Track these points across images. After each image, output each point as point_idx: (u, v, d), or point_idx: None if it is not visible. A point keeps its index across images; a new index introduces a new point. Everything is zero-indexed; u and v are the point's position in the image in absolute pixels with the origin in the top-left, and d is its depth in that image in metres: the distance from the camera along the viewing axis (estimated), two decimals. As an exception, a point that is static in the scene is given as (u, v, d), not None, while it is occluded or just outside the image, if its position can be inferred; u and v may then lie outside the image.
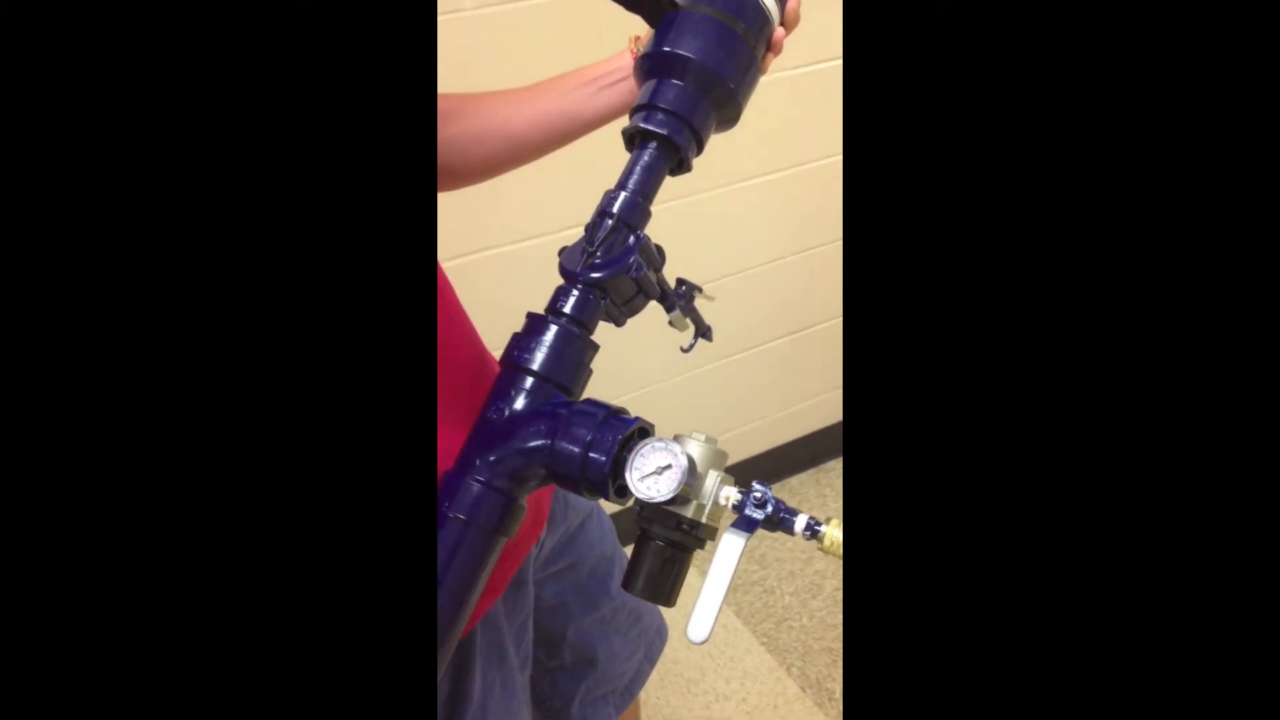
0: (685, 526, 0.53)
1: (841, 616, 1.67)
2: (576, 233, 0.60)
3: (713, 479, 0.53)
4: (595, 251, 0.58)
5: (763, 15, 0.64)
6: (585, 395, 0.59)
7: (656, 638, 0.98)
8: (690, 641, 0.49)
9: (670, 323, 0.65)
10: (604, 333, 0.60)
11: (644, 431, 0.55)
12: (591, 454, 0.53)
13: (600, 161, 0.87)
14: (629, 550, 0.61)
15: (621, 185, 0.61)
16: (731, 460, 0.55)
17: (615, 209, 0.60)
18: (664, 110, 0.61)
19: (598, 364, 0.60)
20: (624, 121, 0.66)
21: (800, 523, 0.51)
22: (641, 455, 0.52)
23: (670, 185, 0.64)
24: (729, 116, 0.66)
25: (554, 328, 0.57)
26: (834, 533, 0.50)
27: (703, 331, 0.68)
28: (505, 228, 1.40)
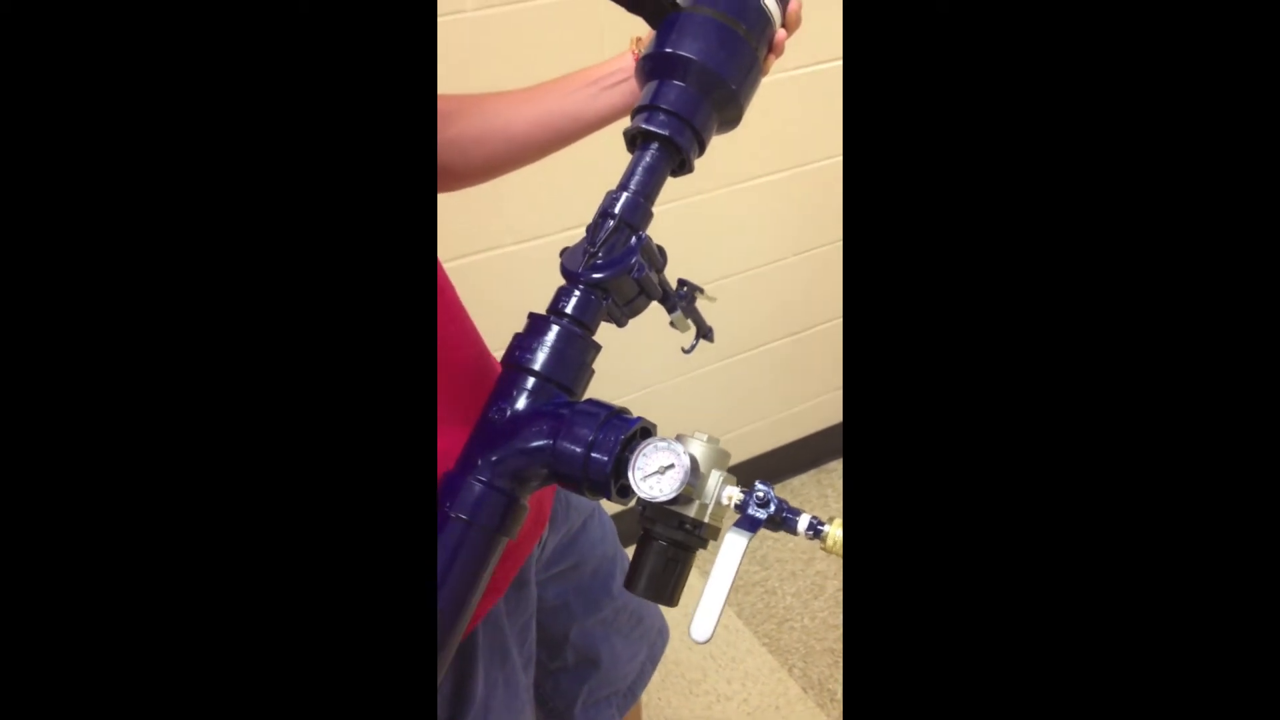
0: (688, 526, 0.53)
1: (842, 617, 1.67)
2: (578, 234, 0.60)
3: (715, 479, 0.53)
4: (597, 252, 0.59)
5: (764, 17, 0.65)
6: (587, 396, 0.59)
7: (658, 638, 0.98)
8: (693, 641, 0.49)
9: (672, 323, 0.65)
10: (604, 333, 0.60)
11: (646, 431, 0.55)
12: (594, 454, 0.53)
13: (601, 163, 0.87)
14: (630, 551, 0.61)
15: (623, 186, 0.61)
16: (733, 461, 0.55)
17: (617, 210, 0.60)
18: (666, 111, 0.61)
19: (598, 365, 0.60)
20: (625, 122, 0.66)
21: (803, 522, 0.51)
22: (644, 455, 0.52)
23: (671, 186, 0.64)
24: (730, 117, 0.66)
25: (556, 328, 0.57)
26: (837, 532, 0.50)
27: (704, 332, 0.68)
28: (507, 228, 1.40)
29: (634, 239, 0.59)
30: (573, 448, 0.53)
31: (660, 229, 0.62)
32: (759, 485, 0.52)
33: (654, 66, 0.63)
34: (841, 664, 1.59)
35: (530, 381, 0.57)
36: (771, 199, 1.63)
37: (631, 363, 1.62)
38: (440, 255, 0.71)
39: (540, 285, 0.66)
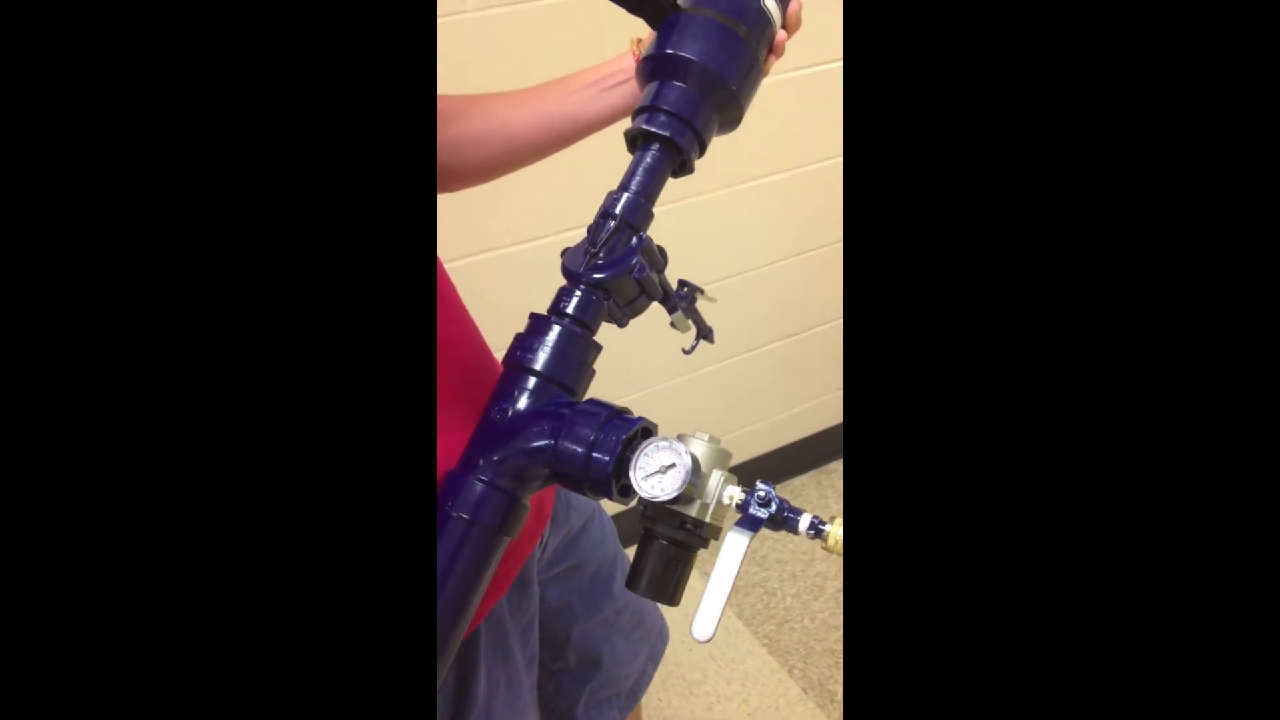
0: (689, 526, 0.53)
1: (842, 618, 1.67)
2: (577, 234, 0.60)
3: (716, 478, 0.53)
4: (598, 253, 0.59)
5: (764, 18, 0.65)
6: (588, 396, 0.59)
7: (659, 639, 0.98)
8: (695, 640, 0.50)
9: (672, 324, 0.65)
10: (604, 334, 0.60)
11: (647, 431, 0.55)
12: (595, 454, 0.53)
13: (600, 163, 0.87)
14: (630, 552, 0.61)
15: (624, 187, 0.61)
16: (733, 462, 0.55)
17: (618, 210, 0.60)
18: (666, 112, 0.61)
19: (599, 365, 0.60)
20: (625, 124, 0.66)
21: (804, 521, 0.52)
22: (645, 454, 0.52)
23: (671, 187, 0.64)
24: (731, 118, 0.66)
25: (557, 328, 0.57)
26: (838, 531, 0.50)
27: (704, 333, 0.68)
28: (506, 229, 1.40)
29: (635, 239, 0.60)
30: (574, 447, 0.53)
31: (660, 230, 0.62)
32: (760, 485, 0.52)
33: (655, 67, 0.63)
34: (841, 665, 1.59)
35: (532, 381, 0.57)
36: (771, 200, 1.63)
37: (632, 363, 1.62)
38: (440, 256, 0.71)
39: (539, 286, 0.66)
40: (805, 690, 1.57)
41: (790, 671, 1.60)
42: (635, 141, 0.63)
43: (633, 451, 0.52)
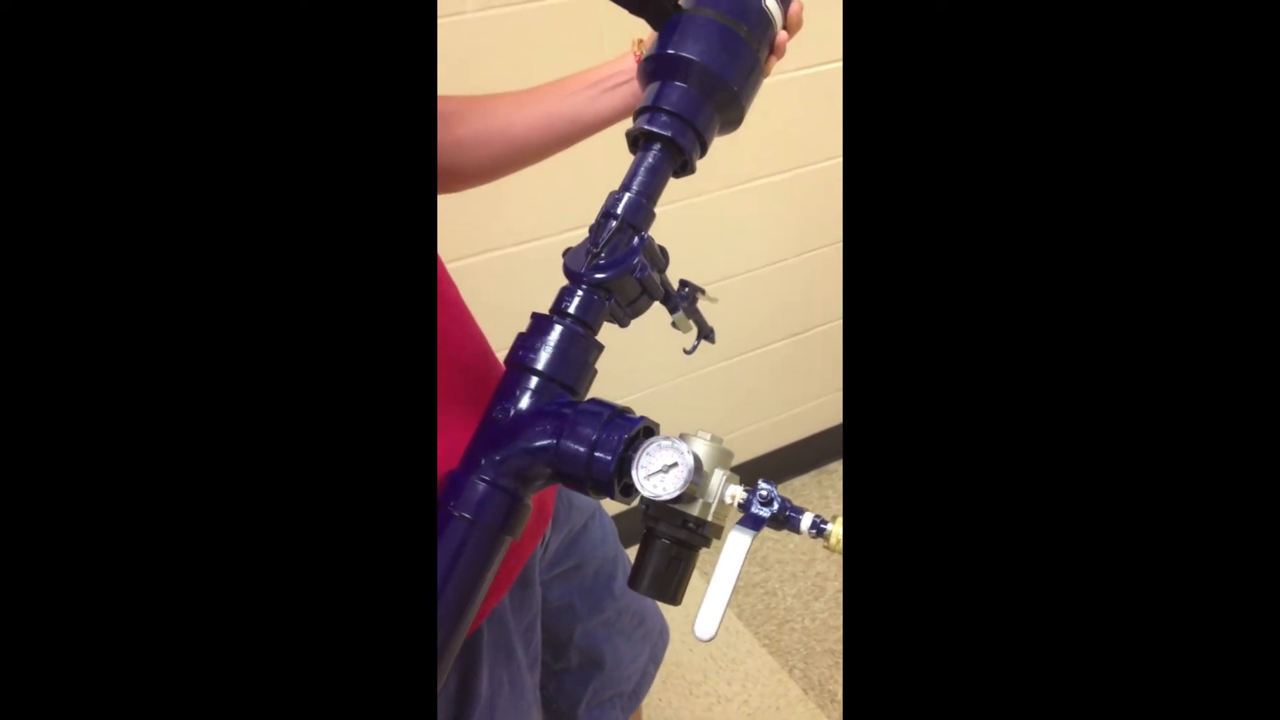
0: (691, 525, 0.53)
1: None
2: (577, 235, 0.60)
3: (719, 477, 0.53)
4: (600, 252, 0.59)
5: (765, 18, 0.65)
6: (589, 396, 0.59)
7: (660, 639, 0.98)
8: (697, 639, 0.50)
9: (674, 324, 0.65)
10: (605, 334, 0.60)
11: (649, 430, 0.55)
12: (597, 453, 0.53)
13: (601, 164, 0.87)
14: (631, 552, 0.61)
15: (626, 187, 0.61)
16: (734, 462, 0.55)
17: (619, 210, 0.60)
18: (668, 112, 0.61)
19: (600, 365, 0.61)
20: (624, 124, 0.66)
21: (806, 520, 0.52)
22: (647, 454, 0.52)
23: (672, 187, 0.65)
24: (732, 119, 0.66)
25: (559, 328, 0.57)
26: (840, 530, 0.50)
27: (705, 333, 0.68)
28: (507, 230, 1.40)
29: (636, 239, 0.60)
30: (576, 447, 0.53)
31: (661, 230, 0.62)
32: (762, 484, 0.52)
33: (656, 68, 0.63)
34: (841, 665, 1.59)
35: (534, 381, 0.57)
36: (772, 200, 1.63)
37: (633, 363, 1.62)
38: (441, 256, 0.71)
39: (540, 286, 0.66)
40: (805, 691, 1.57)
41: (790, 672, 1.60)
42: (637, 142, 0.63)
43: (635, 451, 0.52)
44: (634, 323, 0.63)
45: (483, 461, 0.55)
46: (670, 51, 0.62)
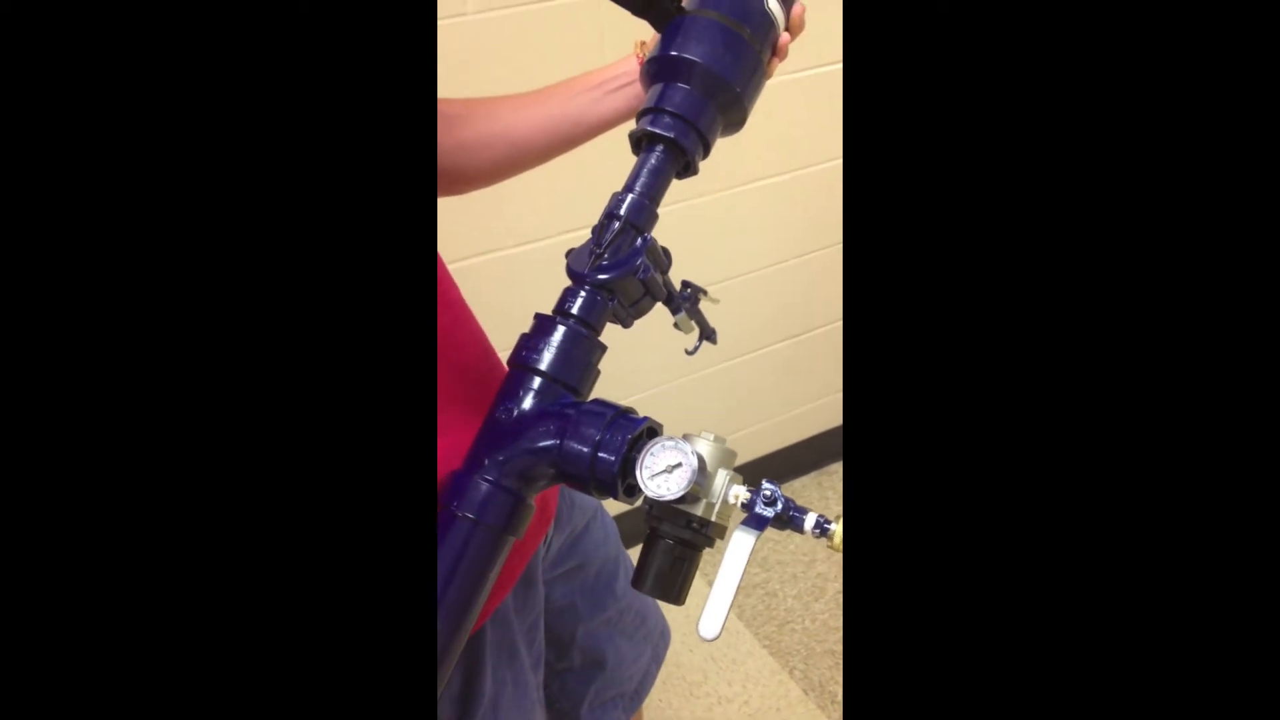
0: (695, 525, 0.53)
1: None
2: (578, 236, 0.60)
3: (722, 477, 0.53)
4: (603, 253, 0.59)
5: (768, 20, 0.65)
6: (592, 396, 0.60)
7: (661, 640, 0.99)
8: (701, 638, 0.50)
9: (676, 325, 0.65)
10: (607, 334, 0.60)
11: (653, 431, 0.55)
12: (601, 454, 0.53)
13: (600, 166, 0.87)
14: (633, 552, 0.61)
15: (629, 188, 0.61)
16: (736, 462, 0.55)
17: (623, 211, 0.60)
18: (671, 114, 0.62)
19: (602, 365, 0.61)
20: (625, 126, 0.66)
21: (810, 521, 0.52)
22: (651, 454, 0.52)
23: (673, 188, 0.65)
24: (735, 120, 0.66)
25: (562, 328, 0.58)
26: (843, 531, 0.50)
27: (707, 334, 0.68)
28: (508, 231, 1.40)
29: (639, 240, 0.60)
30: (580, 447, 0.54)
31: (663, 230, 0.63)
32: (766, 484, 0.52)
33: (659, 69, 0.63)
34: (842, 666, 1.59)
35: (537, 382, 0.57)
36: (774, 201, 1.63)
37: (634, 363, 1.62)
38: (443, 257, 0.71)
39: (540, 287, 0.67)
40: (806, 691, 1.57)
41: (791, 673, 1.60)
42: (639, 143, 0.63)
43: (638, 451, 0.53)
44: (636, 323, 0.63)
45: (486, 461, 0.56)
46: (673, 53, 0.62)
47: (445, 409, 0.61)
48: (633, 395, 1.66)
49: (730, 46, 0.62)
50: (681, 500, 0.51)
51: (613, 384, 0.74)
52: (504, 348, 0.63)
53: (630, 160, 0.63)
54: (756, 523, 0.52)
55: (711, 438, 0.54)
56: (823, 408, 1.98)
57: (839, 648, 1.64)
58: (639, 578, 0.54)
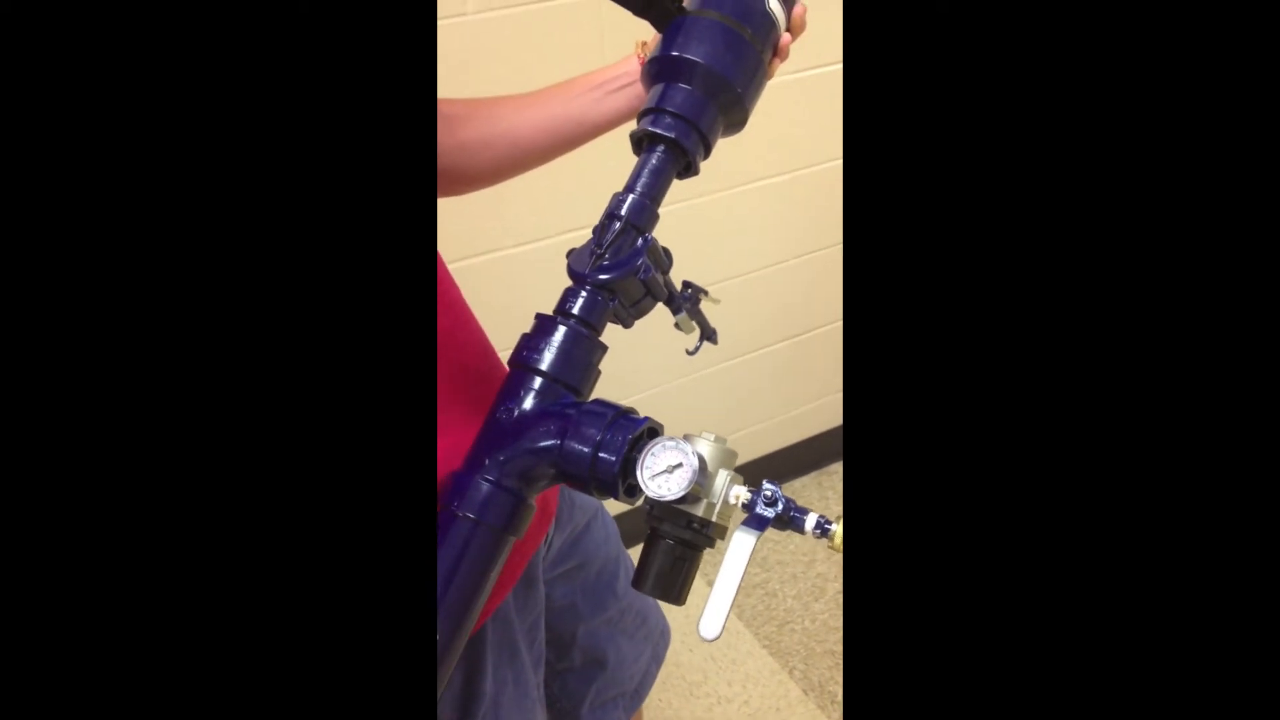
0: (696, 525, 0.53)
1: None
2: (578, 236, 0.60)
3: (723, 478, 0.53)
4: (604, 254, 0.59)
5: (769, 20, 0.65)
6: (593, 396, 0.60)
7: (661, 639, 0.99)
8: (702, 638, 0.50)
9: (677, 325, 0.65)
10: (607, 334, 0.60)
11: (654, 431, 0.55)
12: (601, 454, 0.53)
13: (600, 166, 0.88)
14: (633, 552, 0.61)
15: (630, 188, 0.61)
16: (736, 462, 0.55)
17: (623, 211, 0.60)
18: (672, 114, 0.62)
19: (602, 365, 0.61)
20: (627, 126, 0.66)
21: (810, 521, 0.52)
22: (652, 454, 0.52)
23: (673, 188, 0.65)
24: (736, 121, 0.66)
25: (563, 329, 0.58)
26: (843, 531, 0.50)
27: (708, 334, 0.68)
28: (507, 231, 1.40)
29: (640, 240, 0.60)
30: (580, 448, 0.54)
31: (662, 230, 0.63)
32: (766, 484, 0.52)
33: (660, 70, 0.63)
34: (842, 666, 1.59)
35: (537, 382, 0.57)
36: (774, 201, 1.63)
37: (634, 363, 1.62)
38: (443, 257, 0.71)
39: (540, 287, 0.67)
40: (806, 691, 1.57)
41: (791, 673, 1.60)
42: (640, 143, 0.63)
43: (639, 451, 0.53)
44: (636, 323, 0.63)
45: (486, 461, 0.56)
46: (674, 53, 0.62)
47: (445, 409, 0.61)
48: (633, 395, 1.66)
49: (732, 47, 0.62)
50: (682, 500, 0.51)
51: (613, 384, 0.74)
52: (504, 348, 0.63)
53: (631, 160, 0.63)
54: (757, 523, 0.52)
55: (712, 438, 0.54)
56: (823, 408, 1.98)
57: (839, 648, 1.64)
58: (639, 578, 0.54)
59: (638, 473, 0.52)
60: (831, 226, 1.74)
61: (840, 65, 1.56)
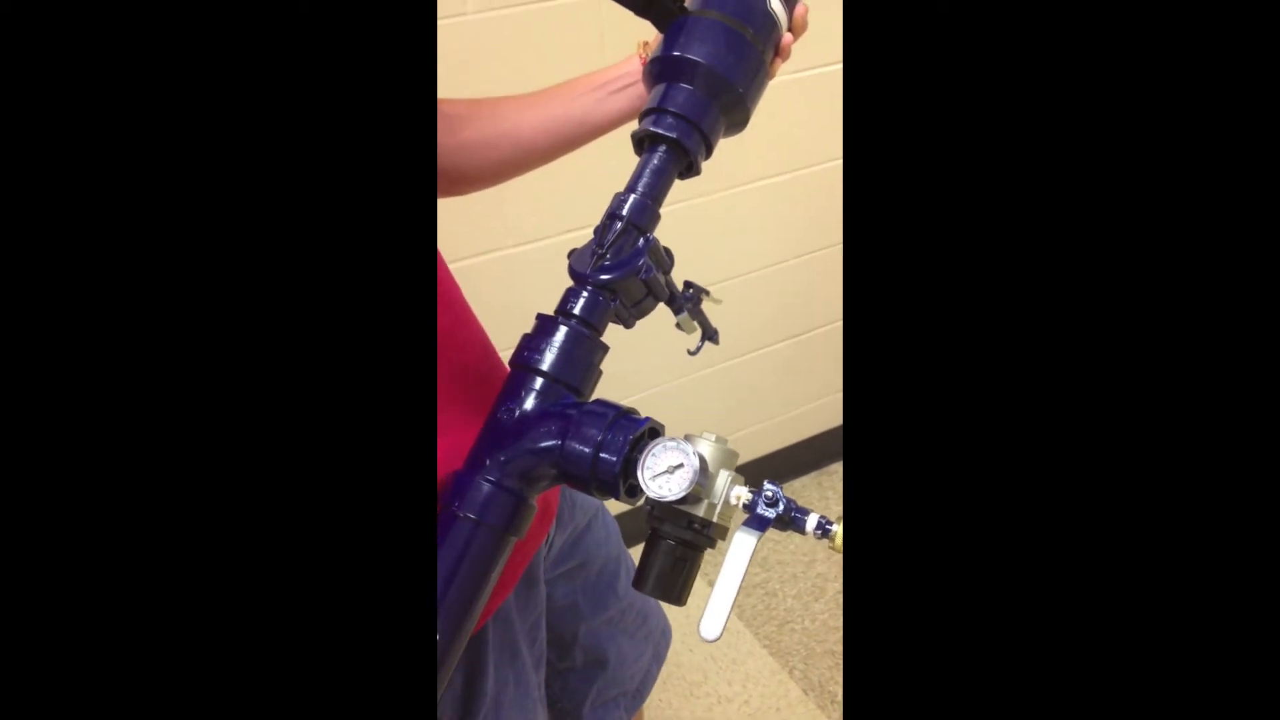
0: (696, 525, 0.53)
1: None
2: (577, 236, 0.60)
3: (724, 478, 0.53)
4: (605, 254, 0.59)
5: (771, 20, 0.65)
6: (594, 396, 0.60)
7: (662, 639, 0.99)
8: (702, 639, 0.50)
9: (678, 325, 0.65)
10: (607, 334, 0.60)
11: (654, 431, 0.55)
12: (602, 454, 0.53)
13: (600, 166, 0.87)
14: (634, 552, 0.61)
15: (631, 188, 0.61)
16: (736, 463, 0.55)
17: (625, 211, 0.60)
18: (673, 114, 0.62)
19: (603, 366, 0.61)
20: (628, 126, 0.66)
21: (811, 522, 0.52)
22: (653, 455, 0.52)
23: (674, 187, 0.65)
24: (737, 121, 0.66)
25: (564, 329, 0.58)
26: (843, 530, 0.50)
27: (709, 334, 0.68)
28: (508, 231, 1.40)
29: (642, 240, 0.60)
30: (581, 448, 0.54)
31: (662, 230, 0.63)
32: (767, 485, 0.52)
33: (662, 70, 0.63)
34: (842, 666, 1.59)
35: (538, 382, 0.57)
36: (774, 201, 1.63)
37: (634, 363, 1.62)
38: (444, 257, 0.71)
39: (540, 287, 0.67)
40: (806, 691, 1.57)
41: (791, 673, 1.60)
42: (642, 143, 0.63)
43: (640, 452, 0.53)
44: (637, 323, 0.63)
45: (487, 462, 0.56)
46: (676, 54, 0.62)
47: (446, 409, 0.61)
48: (633, 395, 1.66)
49: (733, 47, 0.62)
50: (683, 501, 0.51)
51: (613, 384, 0.74)
52: (504, 348, 0.63)
53: (632, 160, 0.63)
54: (758, 524, 0.52)
55: (713, 438, 0.54)
56: (823, 408, 1.98)
57: (839, 648, 1.64)
58: (640, 578, 0.54)
59: (639, 473, 0.52)
60: (831, 226, 1.74)
61: (840, 65, 1.56)
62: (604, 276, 0.58)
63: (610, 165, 0.82)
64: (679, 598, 0.54)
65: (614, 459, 0.53)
